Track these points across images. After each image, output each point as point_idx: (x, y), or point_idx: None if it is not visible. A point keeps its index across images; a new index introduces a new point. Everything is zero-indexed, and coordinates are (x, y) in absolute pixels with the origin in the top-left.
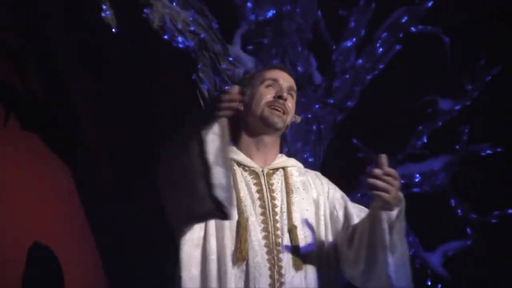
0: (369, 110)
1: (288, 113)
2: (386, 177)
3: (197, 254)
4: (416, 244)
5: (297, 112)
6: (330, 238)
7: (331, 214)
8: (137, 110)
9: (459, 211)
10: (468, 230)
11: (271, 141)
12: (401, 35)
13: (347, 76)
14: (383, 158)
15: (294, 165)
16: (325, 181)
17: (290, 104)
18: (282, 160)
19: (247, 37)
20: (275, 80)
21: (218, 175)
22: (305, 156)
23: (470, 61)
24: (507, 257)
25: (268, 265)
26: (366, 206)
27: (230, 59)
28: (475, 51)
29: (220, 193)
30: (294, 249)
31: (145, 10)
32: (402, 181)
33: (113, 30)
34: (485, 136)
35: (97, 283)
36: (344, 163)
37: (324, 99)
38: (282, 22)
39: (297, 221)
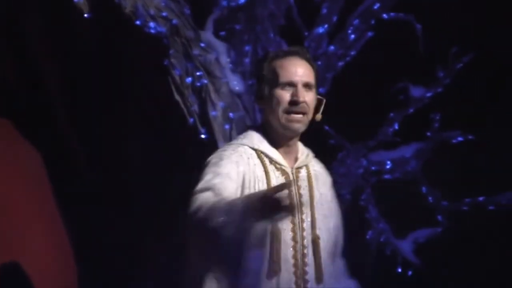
0: (341, 97)
1: (308, 111)
2: None
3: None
4: (387, 231)
5: None
6: (339, 248)
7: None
8: (109, 95)
9: (430, 198)
10: (439, 217)
11: (294, 140)
12: (373, 22)
13: (319, 62)
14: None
15: (312, 158)
16: (332, 191)
17: (309, 99)
18: (305, 156)
19: (219, 23)
20: (290, 82)
21: None
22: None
23: (442, 49)
24: (477, 245)
25: (294, 278)
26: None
27: (202, 45)
28: (447, 39)
29: None
30: (317, 261)
31: None
32: (373, 168)
33: (85, 15)
34: (456, 123)
35: (66, 269)
36: (315, 150)
37: None
38: (254, 8)
39: (319, 229)
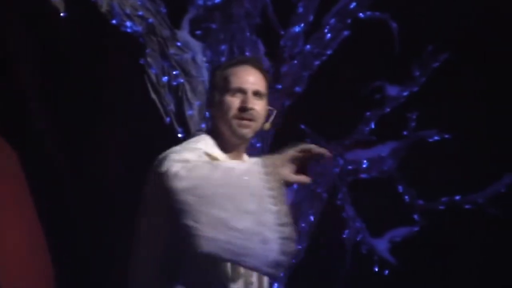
0: (317, 96)
1: (257, 119)
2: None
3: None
4: (363, 230)
5: None
6: None
7: None
8: (85, 94)
9: (406, 197)
10: (416, 216)
11: (244, 147)
12: (349, 21)
13: (295, 61)
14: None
15: None
16: None
17: (259, 108)
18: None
19: (195, 22)
20: (240, 89)
21: None
22: (252, 141)
23: (418, 48)
24: (454, 244)
25: None
26: (314, 192)
27: (178, 44)
28: (423, 38)
29: None
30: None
31: None
32: (350, 167)
33: (61, 14)
34: (432, 122)
35: (44, 270)
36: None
37: (272, 84)
38: (230, 7)
39: None
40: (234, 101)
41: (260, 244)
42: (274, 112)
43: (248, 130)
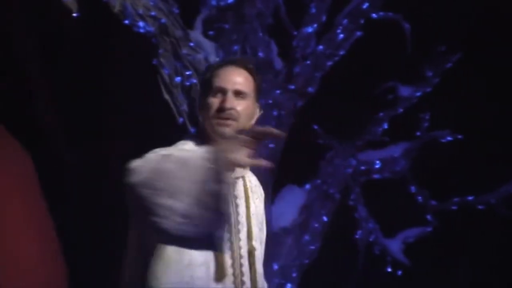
0: (330, 96)
1: (237, 118)
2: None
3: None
4: (376, 230)
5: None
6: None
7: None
8: (98, 95)
9: (419, 197)
10: (428, 217)
11: None
12: (361, 22)
13: (308, 62)
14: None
15: (248, 170)
16: (264, 204)
17: (241, 107)
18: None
19: (208, 22)
20: (221, 89)
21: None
22: (265, 142)
23: (431, 48)
24: (466, 244)
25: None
26: (326, 193)
27: (191, 44)
28: (436, 38)
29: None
30: (253, 273)
31: None
32: (362, 168)
33: (74, 14)
34: (445, 123)
35: (57, 272)
36: (304, 150)
37: (284, 85)
38: (243, 7)
39: (254, 240)
40: (215, 101)
41: (207, 226)
42: (260, 112)
43: (227, 129)
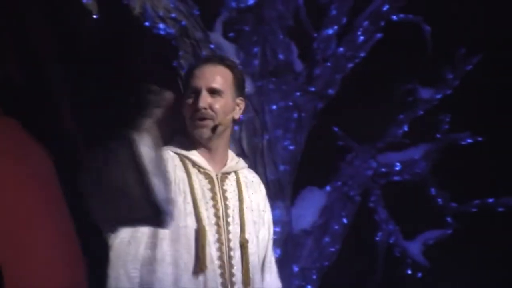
0: (350, 98)
1: (214, 117)
2: None
3: (144, 254)
4: (396, 232)
5: (278, 99)
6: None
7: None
8: (117, 97)
9: (439, 200)
10: (448, 219)
11: (215, 145)
12: (382, 24)
13: (328, 64)
14: None
15: (243, 167)
16: (265, 201)
17: (218, 105)
18: (234, 162)
19: (228, 24)
20: (195, 89)
21: (156, 182)
22: (285, 143)
23: (451, 50)
24: (486, 246)
25: (221, 279)
26: (347, 195)
27: (211, 46)
28: (456, 40)
29: (158, 199)
30: (245, 265)
31: None
32: (382, 170)
33: (94, 16)
34: (465, 125)
35: (76, 269)
36: (324, 151)
37: (305, 86)
38: (263, 9)
39: (248, 234)
40: (190, 102)
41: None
42: (243, 105)
43: (203, 130)
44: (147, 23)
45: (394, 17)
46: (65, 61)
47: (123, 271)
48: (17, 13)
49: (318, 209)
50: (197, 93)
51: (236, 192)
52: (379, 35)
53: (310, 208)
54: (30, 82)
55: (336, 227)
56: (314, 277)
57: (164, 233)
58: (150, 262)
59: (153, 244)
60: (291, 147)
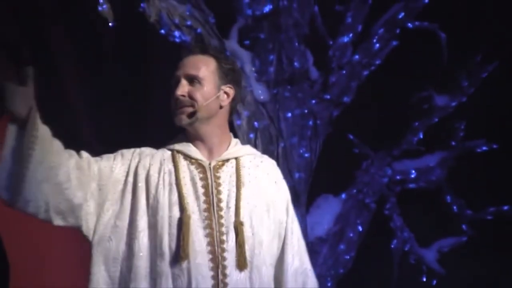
0: (366, 106)
1: (193, 104)
2: None
3: (124, 248)
4: (411, 240)
5: (293, 107)
6: (277, 240)
7: (283, 232)
8: (134, 105)
9: (454, 207)
10: (464, 226)
11: (205, 134)
12: (397, 31)
13: (344, 71)
14: None
15: (249, 153)
16: (283, 184)
17: (197, 92)
18: (235, 149)
19: (244, 31)
20: (176, 79)
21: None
22: (301, 151)
23: (466, 58)
24: (502, 254)
25: (211, 265)
26: (362, 202)
27: (227, 53)
28: (471, 48)
29: None
30: (240, 247)
31: (141, 5)
32: (398, 177)
33: (110, 24)
34: (481, 132)
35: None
36: (340, 159)
37: (320, 94)
38: (279, 17)
39: (245, 217)
40: (172, 93)
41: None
42: (232, 93)
43: (182, 117)
44: (162, 31)
45: (410, 25)
46: (82, 69)
47: (104, 268)
48: (35, 24)
49: (333, 217)
50: (177, 83)
51: (234, 177)
52: (394, 43)
53: (325, 215)
54: (46, 91)
55: (351, 234)
56: (329, 284)
57: (143, 226)
58: (129, 256)
59: (133, 237)
60: (306, 155)
